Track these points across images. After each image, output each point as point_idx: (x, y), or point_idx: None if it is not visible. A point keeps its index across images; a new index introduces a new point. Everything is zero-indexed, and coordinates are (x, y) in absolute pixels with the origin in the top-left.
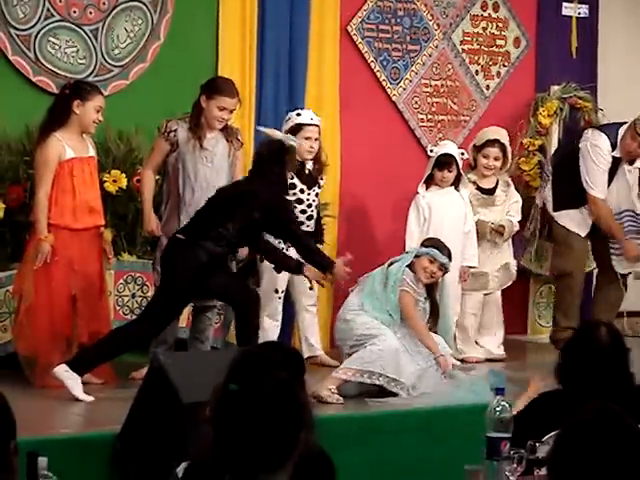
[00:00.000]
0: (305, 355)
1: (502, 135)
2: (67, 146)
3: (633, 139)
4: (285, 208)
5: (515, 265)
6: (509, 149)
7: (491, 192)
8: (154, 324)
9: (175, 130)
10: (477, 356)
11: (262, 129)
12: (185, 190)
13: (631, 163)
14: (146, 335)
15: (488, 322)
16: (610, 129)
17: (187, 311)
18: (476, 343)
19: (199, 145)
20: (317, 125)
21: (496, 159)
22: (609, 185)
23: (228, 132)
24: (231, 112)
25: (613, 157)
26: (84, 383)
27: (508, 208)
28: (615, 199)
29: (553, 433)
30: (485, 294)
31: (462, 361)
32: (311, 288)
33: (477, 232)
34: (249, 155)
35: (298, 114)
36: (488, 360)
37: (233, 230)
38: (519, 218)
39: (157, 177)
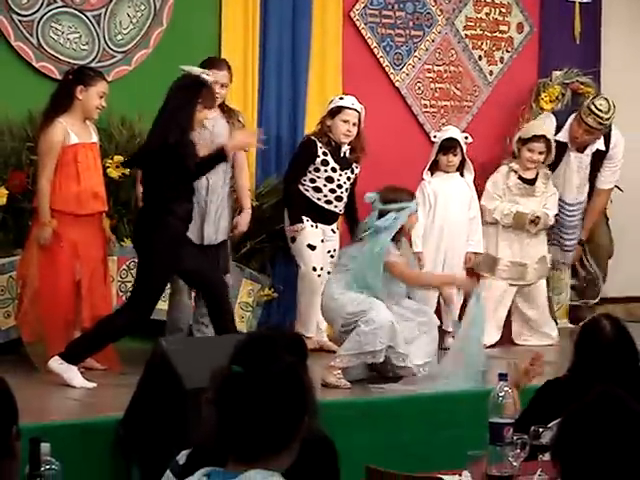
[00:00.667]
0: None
1: (548, 131)
2: (71, 131)
3: (579, 125)
4: (175, 148)
5: (550, 259)
6: (553, 145)
7: (532, 182)
8: (140, 309)
9: None
10: (490, 341)
11: (182, 67)
12: None
13: (582, 151)
14: (134, 322)
15: (541, 313)
16: (562, 113)
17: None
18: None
19: (199, 122)
20: (357, 111)
21: (540, 153)
22: (554, 170)
23: (229, 113)
24: (223, 86)
25: (557, 141)
26: (88, 369)
27: (545, 200)
28: (561, 185)
29: (558, 420)
30: (522, 285)
31: None
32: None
33: (515, 223)
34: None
35: (341, 97)
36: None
37: (171, 185)
38: (555, 212)
39: None
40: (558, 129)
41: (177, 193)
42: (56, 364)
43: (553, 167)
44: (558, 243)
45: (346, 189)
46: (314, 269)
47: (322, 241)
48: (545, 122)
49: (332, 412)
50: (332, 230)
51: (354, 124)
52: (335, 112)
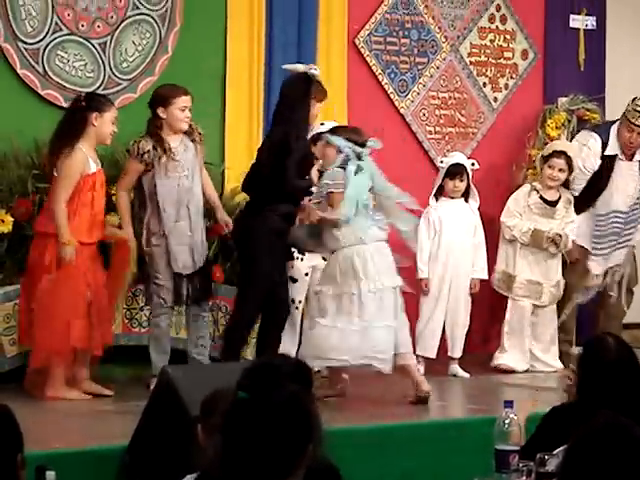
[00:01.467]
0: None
1: (570, 149)
2: (90, 159)
3: (630, 130)
4: (289, 149)
5: (563, 284)
6: (576, 165)
7: (553, 204)
8: (254, 299)
9: (149, 151)
10: (516, 367)
11: (286, 66)
12: (166, 203)
13: (630, 158)
14: (254, 313)
15: (543, 336)
16: (601, 129)
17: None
18: (531, 353)
19: (171, 157)
20: None
21: (561, 170)
22: (607, 184)
23: (190, 132)
24: (190, 110)
25: (607, 156)
26: (96, 395)
27: (564, 225)
28: (611, 198)
29: (564, 447)
30: (537, 305)
31: (496, 368)
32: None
33: (532, 241)
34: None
35: (322, 124)
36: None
37: (280, 184)
38: (573, 238)
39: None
40: (604, 145)
41: (280, 193)
42: None
43: (605, 181)
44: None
45: None
46: (292, 301)
47: (306, 274)
48: (589, 141)
49: (338, 440)
50: (323, 258)
51: None
52: (316, 139)
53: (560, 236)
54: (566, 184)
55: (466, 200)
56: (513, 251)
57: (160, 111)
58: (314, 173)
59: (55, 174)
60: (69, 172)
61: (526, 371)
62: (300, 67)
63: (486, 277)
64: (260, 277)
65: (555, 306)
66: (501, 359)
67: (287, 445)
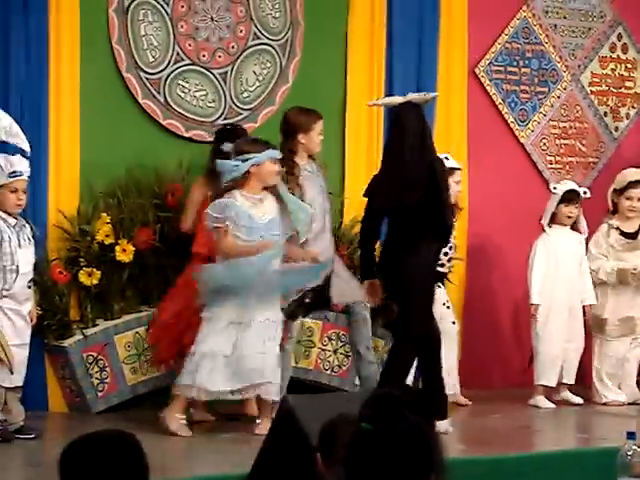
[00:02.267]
0: None
1: None
2: None
3: None
4: (443, 185)
5: None
6: None
7: (634, 236)
8: (416, 331)
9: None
10: (618, 400)
11: (382, 102)
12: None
13: None
14: (415, 347)
15: None
16: None
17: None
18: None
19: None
20: (460, 169)
21: None
22: None
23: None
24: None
25: None
26: (198, 422)
27: None
28: None
29: None
30: (634, 338)
31: (604, 405)
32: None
33: (619, 280)
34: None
35: (446, 158)
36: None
37: (435, 220)
38: None
39: None
40: None
41: (434, 229)
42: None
43: None
44: None
45: (455, 246)
46: None
47: (444, 304)
48: None
49: (456, 470)
50: (437, 285)
51: (458, 182)
52: (447, 174)
53: None
54: None
55: (575, 229)
56: (602, 293)
57: (301, 137)
58: None
59: None
60: None
61: (633, 403)
62: (398, 99)
63: (595, 302)
64: (419, 311)
65: None
66: (607, 397)
67: (411, 475)
